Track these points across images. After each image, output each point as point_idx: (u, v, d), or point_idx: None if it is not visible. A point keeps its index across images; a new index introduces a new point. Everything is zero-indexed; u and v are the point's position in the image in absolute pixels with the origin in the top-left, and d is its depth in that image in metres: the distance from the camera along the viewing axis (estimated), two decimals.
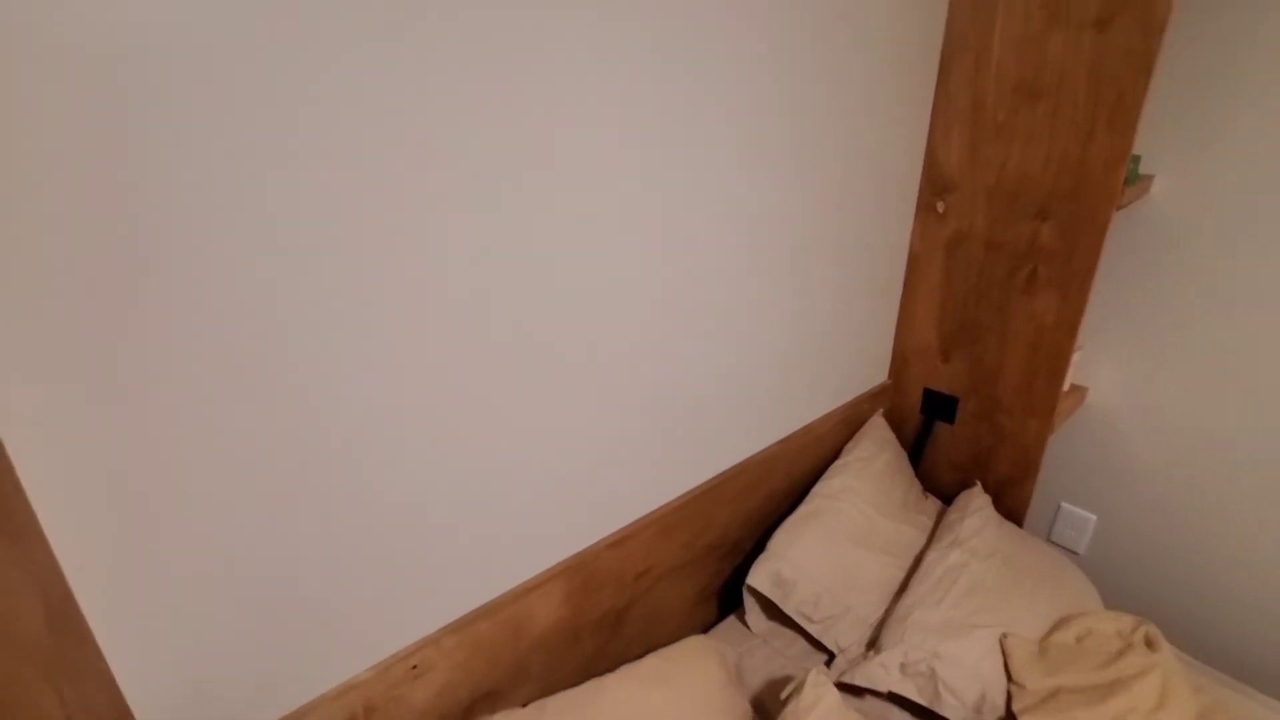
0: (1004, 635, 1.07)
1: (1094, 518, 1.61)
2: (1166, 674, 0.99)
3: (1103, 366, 1.53)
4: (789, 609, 1.20)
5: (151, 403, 0.58)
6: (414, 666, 0.86)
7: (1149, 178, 1.35)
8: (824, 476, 1.41)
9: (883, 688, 1.05)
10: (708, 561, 1.29)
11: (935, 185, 1.43)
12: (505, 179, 0.75)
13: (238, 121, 0.56)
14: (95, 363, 0.54)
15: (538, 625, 1.00)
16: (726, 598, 1.38)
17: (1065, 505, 1.66)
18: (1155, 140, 1.34)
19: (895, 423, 1.63)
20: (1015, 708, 0.98)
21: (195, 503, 0.63)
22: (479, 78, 0.69)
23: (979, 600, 1.14)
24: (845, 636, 1.19)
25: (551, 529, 0.98)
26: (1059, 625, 1.10)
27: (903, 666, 1.06)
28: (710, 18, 0.89)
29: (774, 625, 1.28)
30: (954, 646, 1.06)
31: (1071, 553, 1.67)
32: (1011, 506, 1.49)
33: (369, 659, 0.83)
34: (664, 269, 0.99)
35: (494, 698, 0.98)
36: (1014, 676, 1.02)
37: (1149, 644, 1.04)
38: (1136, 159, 1.26)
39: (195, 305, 0.58)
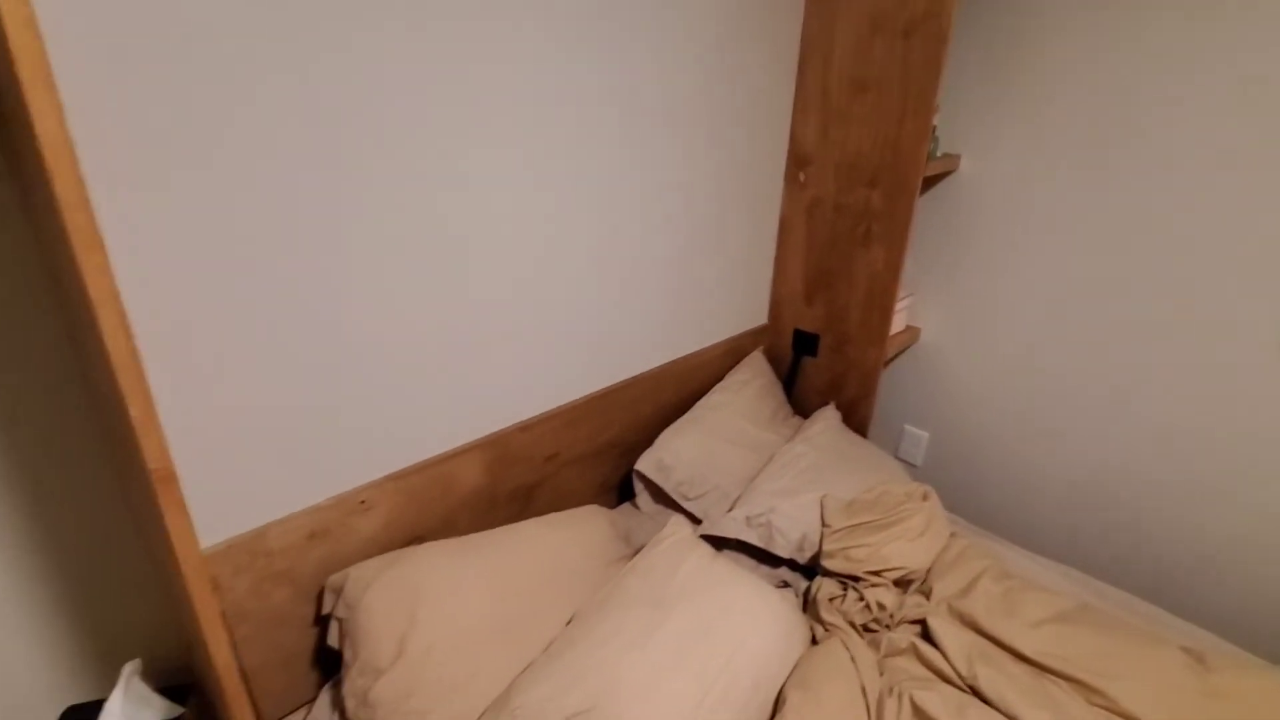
0: (824, 495, 1.41)
1: (927, 434, 2.00)
2: (931, 515, 1.35)
3: (931, 310, 1.91)
4: (668, 488, 1.52)
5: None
6: (363, 502, 1.13)
7: (956, 157, 1.72)
8: (707, 395, 1.73)
9: (731, 535, 1.37)
10: (608, 456, 1.59)
11: (797, 160, 1.77)
12: (465, 149, 1.03)
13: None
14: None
15: (462, 487, 1.28)
16: (625, 491, 1.69)
17: (907, 427, 2.04)
18: (962, 128, 1.70)
19: (773, 357, 1.97)
20: (824, 542, 1.32)
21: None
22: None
23: (811, 476, 1.48)
24: (712, 509, 1.51)
25: (471, 408, 1.26)
26: (865, 492, 1.45)
27: (748, 519, 1.38)
28: (633, 36, 1.24)
29: (659, 507, 1.59)
30: (786, 503, 1.39)
31: (913, 465, 2.05)
32: (858, 421, 1.85)
33: (330, 491, 1.09)
34: (590, 216, 1.32)
35: (425, 541, 1.25)
36: (826, 520, 1.36)
37: (924, 498, 1.40)
38: (936, 140, 1.62)
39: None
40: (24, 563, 0.85)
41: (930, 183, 1.80)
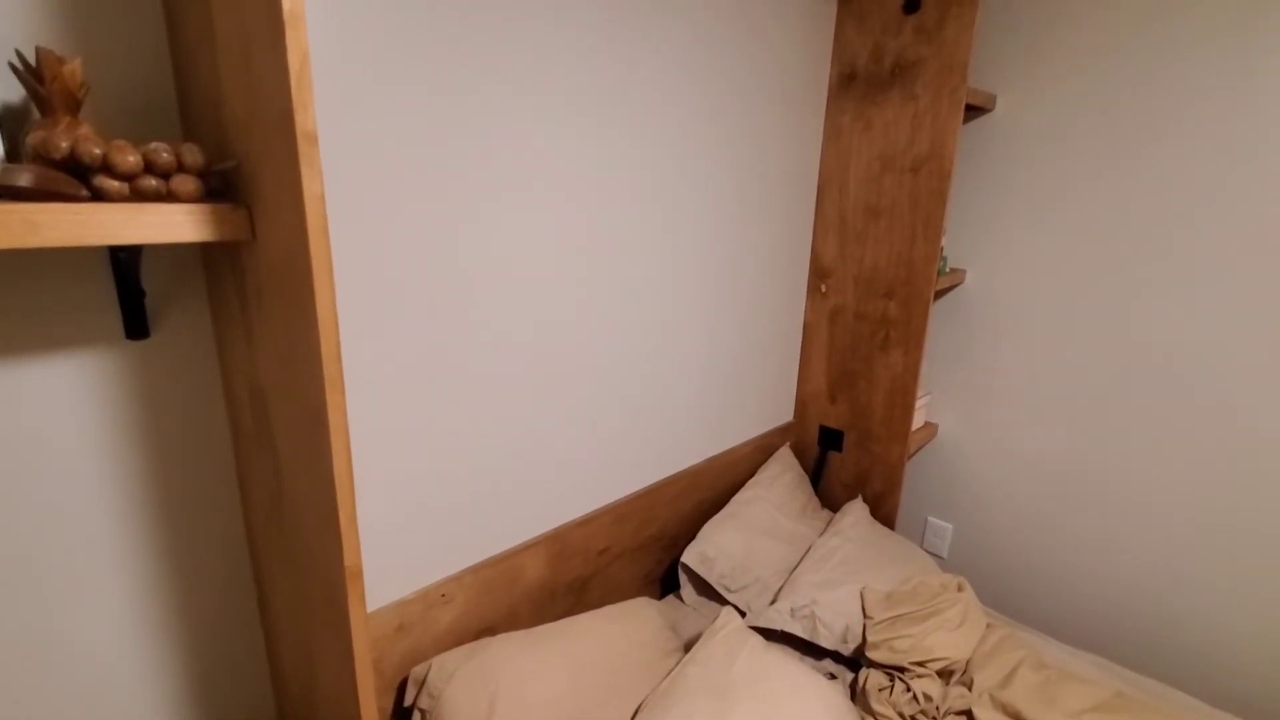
0: (863, 588, 1.49)
1: (951, 526, 2.08)
2: (967, 605, 1.43)
3: (947, 408, 2.04)
4: (712, 580, 1.59)
5: None
6: (443, 595, 1.22)
7: (962, 271, 1.92)
8: (741, 490, 1.83)
9: (777, 627, 1.44)
10: (652, 550, 1.68)
11: (819, 273, 1.96)
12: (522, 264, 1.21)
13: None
14: None
15: (527, 579, 1.37)
16: (667, 584, 1.76)
17: (930, 519, 2.12)
18: (968, 246, 1.91)
19: (799, 453, 2.09)
20: (867, 633, 1.39)
21: None
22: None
23: (849, 568, 1.56)
24: (754, 601, 1.59)
25: (539, 505, 1.37)
26: (902, 583, 1.53)
27: (792, 611, 1.46)
28: (680, 166, 1.41)
29: (701, 599, 1.66)
30: (828, 595, 1.47)
31: (939, 557, 2.12)
32: (885, 513, 1.94)
33: (415, 585, 1.18)
34: (640, 330, 1.47)
35: (493, 631, 1.32)
36: (867, 613, 1.43)
37: (959, 589, 1.48)
38: (944, 259, 1.81)
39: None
40: (156, 636, 0.96)
41: (941, 292, 1.98)
